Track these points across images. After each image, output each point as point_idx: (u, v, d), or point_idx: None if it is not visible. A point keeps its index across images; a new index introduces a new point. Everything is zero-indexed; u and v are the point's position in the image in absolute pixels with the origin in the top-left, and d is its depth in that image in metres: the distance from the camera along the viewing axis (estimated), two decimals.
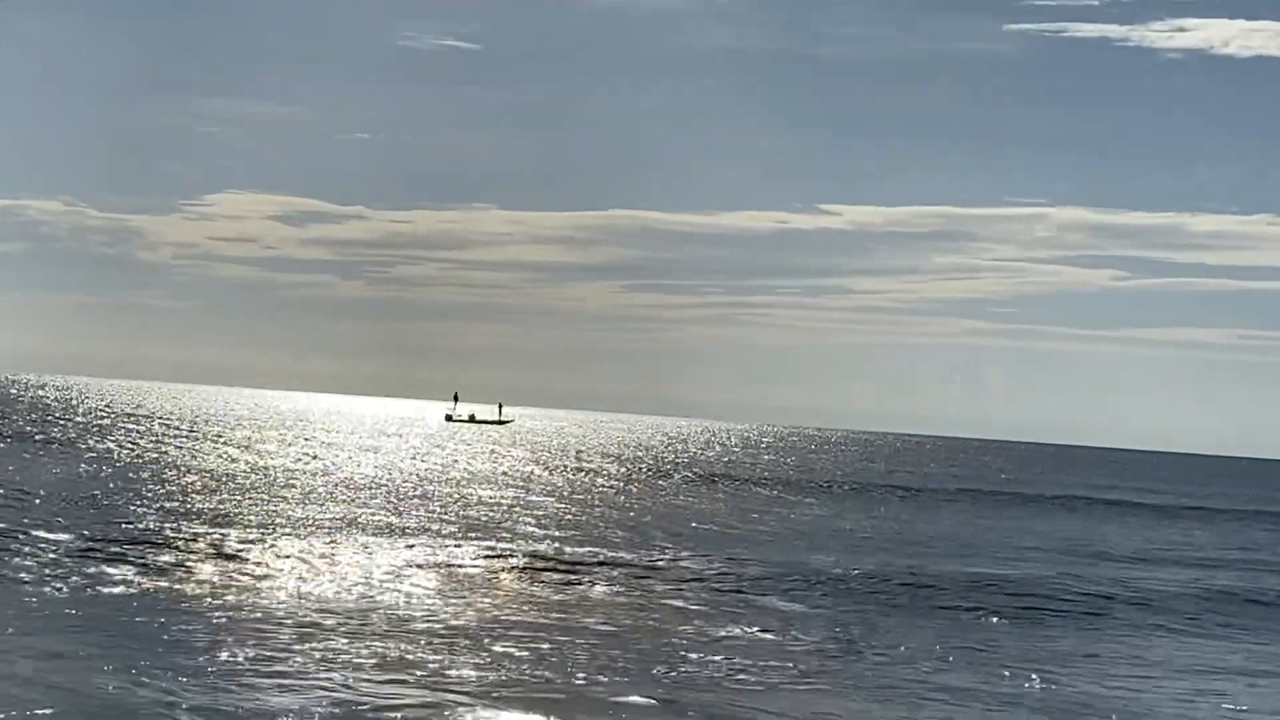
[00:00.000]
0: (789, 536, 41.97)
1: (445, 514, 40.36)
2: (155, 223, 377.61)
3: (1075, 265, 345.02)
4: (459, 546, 31.92)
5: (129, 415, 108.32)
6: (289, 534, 31.99)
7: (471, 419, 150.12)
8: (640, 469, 77.74)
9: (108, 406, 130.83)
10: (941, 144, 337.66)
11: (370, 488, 48.65)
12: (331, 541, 31.23)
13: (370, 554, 29.61)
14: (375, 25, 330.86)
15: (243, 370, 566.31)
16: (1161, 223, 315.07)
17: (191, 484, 44.61)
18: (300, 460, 62.50)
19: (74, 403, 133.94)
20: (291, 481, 48.86)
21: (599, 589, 27.36)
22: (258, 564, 27.22)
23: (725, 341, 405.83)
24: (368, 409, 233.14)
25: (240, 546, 29.09)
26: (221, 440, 76.63)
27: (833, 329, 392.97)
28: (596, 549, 33.36)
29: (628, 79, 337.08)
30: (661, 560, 32.20)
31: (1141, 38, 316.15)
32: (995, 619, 27.41)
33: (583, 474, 67.47)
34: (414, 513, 39.97)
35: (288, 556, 28.32)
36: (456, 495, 47.62)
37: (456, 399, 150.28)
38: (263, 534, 31.47)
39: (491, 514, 41.56)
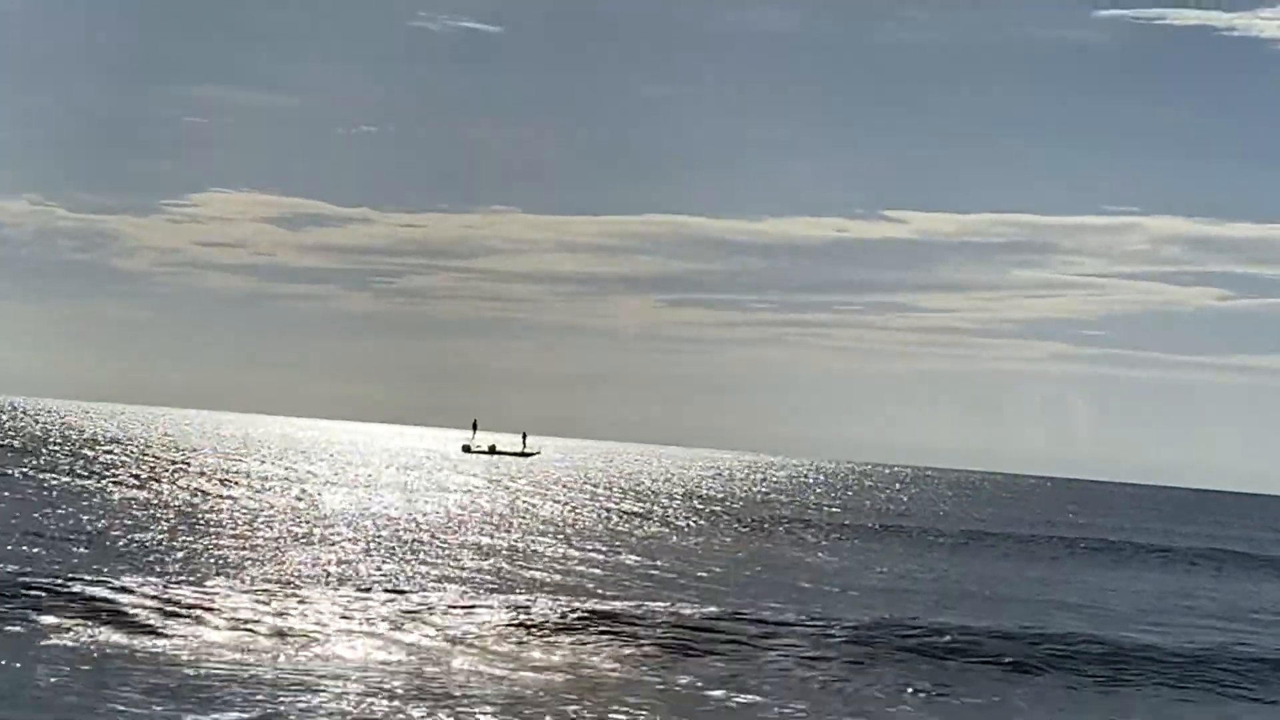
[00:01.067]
0: (911, 591, 41.06)
1: (476, 567, 38.11)
2: (134, 225, 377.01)
3: (1172, 282, 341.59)
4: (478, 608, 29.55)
5: (92, 442, 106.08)
6: (257, 591, 29.73)
7: (492, 450, 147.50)
8: (716, 513, 75.88)
9: (73, 431, 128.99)
10: (1021, 144, 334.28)
11: (377, 532, 46.78)
12: (317, 597, 29.30)
13: (374, 612, 27.94)
14: (384, 4, 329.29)
15: (231, 392, 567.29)
16: (1270, 235, 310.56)
17: (136, 521, 43.03)
18: (289, 498, 60.73)
19: (40, 428, 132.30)
20: (271, 523, 47.15)
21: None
22: (225, 624, 25.75)
23: (777, 365, 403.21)
24: (373, 438, 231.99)
25: (196, 603, 27.15)
26: (197, 472, 75.26)
27: (898, 352, 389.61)
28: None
29: (668, 66, 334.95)
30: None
31: (1248, 26, 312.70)
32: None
33: (649, 520, 65.31)
34: (433, 565, 37.74)
35: (250, 621, 26.32)
36: (486, 545, 45.63)
37: (475, 428, 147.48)
38: (227, 589, 29.28)
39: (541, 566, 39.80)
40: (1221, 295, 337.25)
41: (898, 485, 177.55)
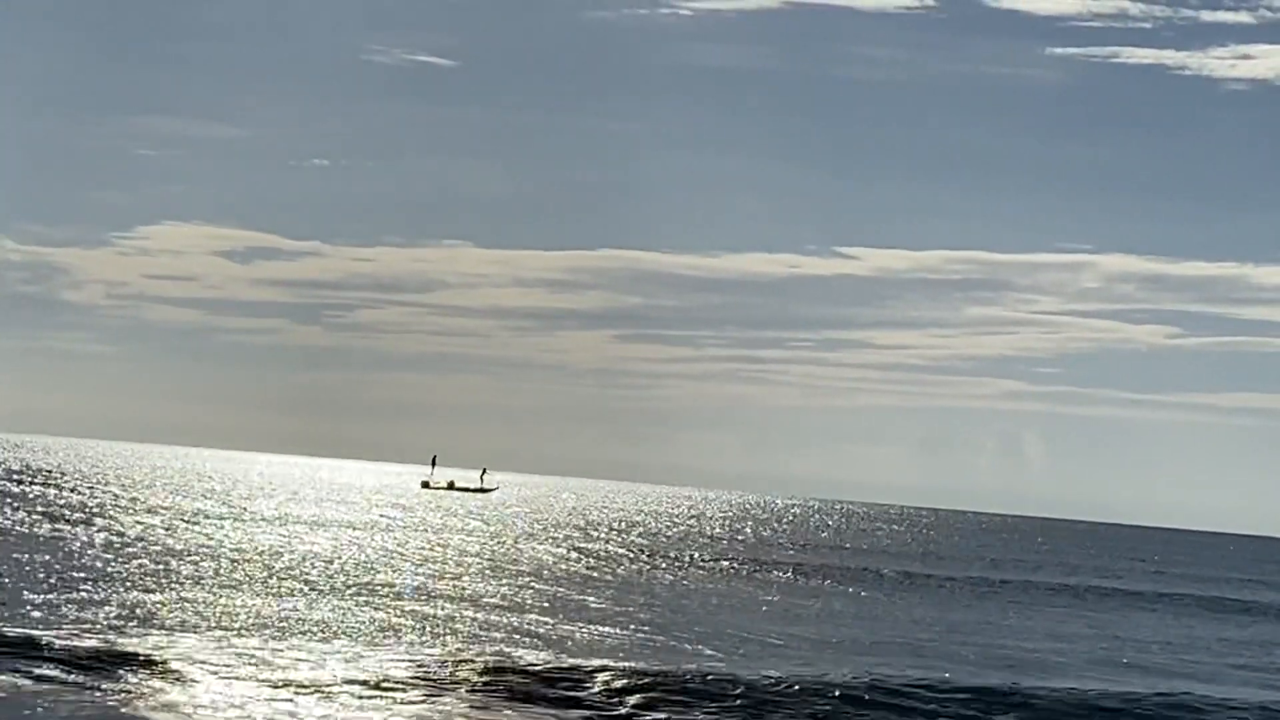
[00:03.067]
0: (886, 642, 40.34)
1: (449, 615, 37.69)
2: (83, 257, 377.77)
3: (1125, 320, 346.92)
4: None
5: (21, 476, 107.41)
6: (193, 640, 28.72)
7: (451, 486, 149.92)
8: (673, 550, 76.97)
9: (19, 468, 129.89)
10: (976, 181, 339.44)
11: (334, 574, 46.01)
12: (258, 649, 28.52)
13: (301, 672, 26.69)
14: (337, 37, 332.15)
15: (180, 427, 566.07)
16: (1223, 274, 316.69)
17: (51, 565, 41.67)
18: (233, 537, 59.30)
19: None
20: (211, 564, 45.66)
21: None
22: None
23: (730, 401, 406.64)
24: (326, 473, 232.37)
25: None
26: (133, 506, 74.52)
27: (851, 388, 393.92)
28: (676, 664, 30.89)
29: (622, 101, 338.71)
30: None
31: (1200, 65, 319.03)
32: None
33: (618, 559, 65.99)
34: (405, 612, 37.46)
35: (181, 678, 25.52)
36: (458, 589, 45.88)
37: (434, 463, 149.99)
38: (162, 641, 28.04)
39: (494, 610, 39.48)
40: (1173, 333, 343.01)
41: (858, 522, 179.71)
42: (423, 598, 40.93)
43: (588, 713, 25.90)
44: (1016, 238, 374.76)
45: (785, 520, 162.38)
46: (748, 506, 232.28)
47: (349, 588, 41.89)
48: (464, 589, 44.45)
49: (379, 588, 42.74)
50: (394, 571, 48.98)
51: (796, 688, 28.76)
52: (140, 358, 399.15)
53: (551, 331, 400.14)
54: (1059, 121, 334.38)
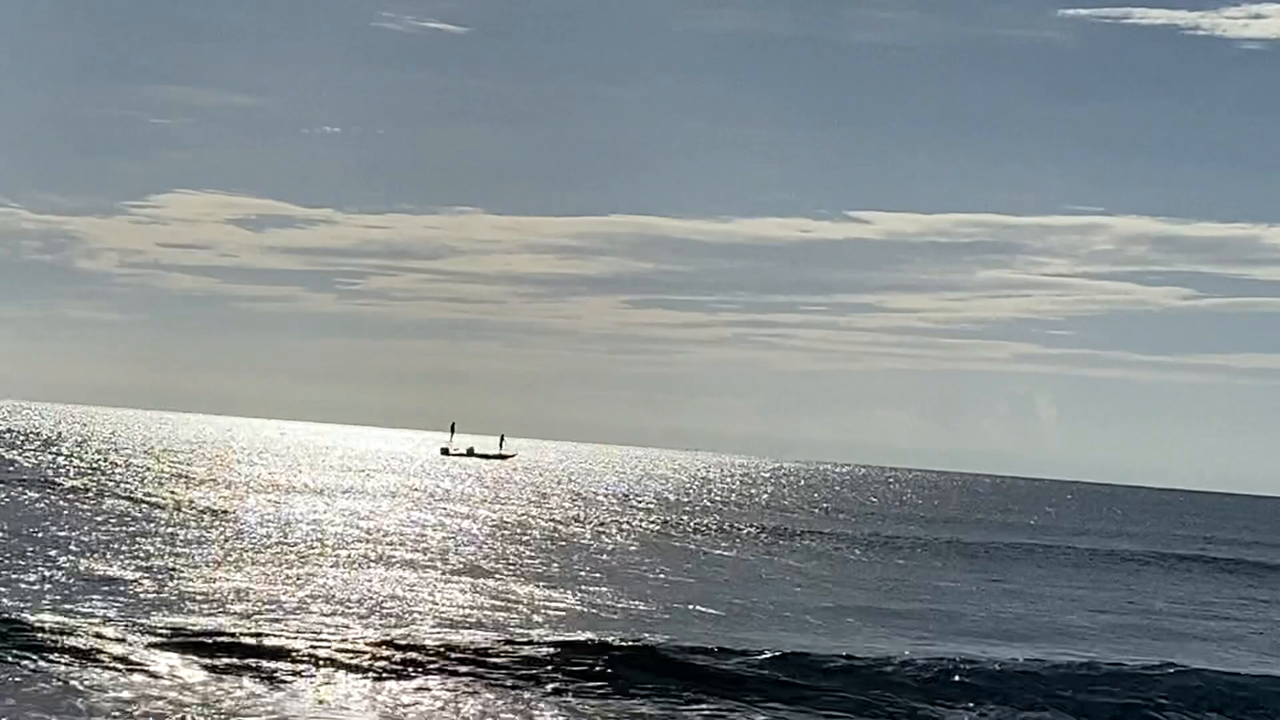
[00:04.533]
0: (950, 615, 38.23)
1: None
2: (97, 226, 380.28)
3: (1138, 282, 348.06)
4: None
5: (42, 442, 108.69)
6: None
7: (470, 452, 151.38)
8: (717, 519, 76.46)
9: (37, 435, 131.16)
10: (987, 144, 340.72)
11: (372, 544, 44.84)
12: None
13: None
14: (348, 4, 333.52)
15: (195, 394, 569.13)
16: (1236, 234, 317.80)
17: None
18: (252, 507, 57.21)
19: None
20: (230, 537, 44.02)
21: None
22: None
23: (741, 365, 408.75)
24: (341, 440, 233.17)
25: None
26: (140, 475, 73.25)
27: (862, 352, 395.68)
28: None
29: (633, 67, 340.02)
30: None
31: (1214, 25, 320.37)
32: None
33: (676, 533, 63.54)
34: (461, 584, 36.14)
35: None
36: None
37: (453, 430, 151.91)
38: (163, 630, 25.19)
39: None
40: (1186, 295, 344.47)
41: (878, 488, 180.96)
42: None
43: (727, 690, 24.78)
44: (1028, 200, 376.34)
45: (804, 485, 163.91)
46: (779, 472, 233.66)
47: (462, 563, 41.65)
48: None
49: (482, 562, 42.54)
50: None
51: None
52: (154, 326, 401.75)
53: (563, 297, 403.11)
54: (1071, 83, 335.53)
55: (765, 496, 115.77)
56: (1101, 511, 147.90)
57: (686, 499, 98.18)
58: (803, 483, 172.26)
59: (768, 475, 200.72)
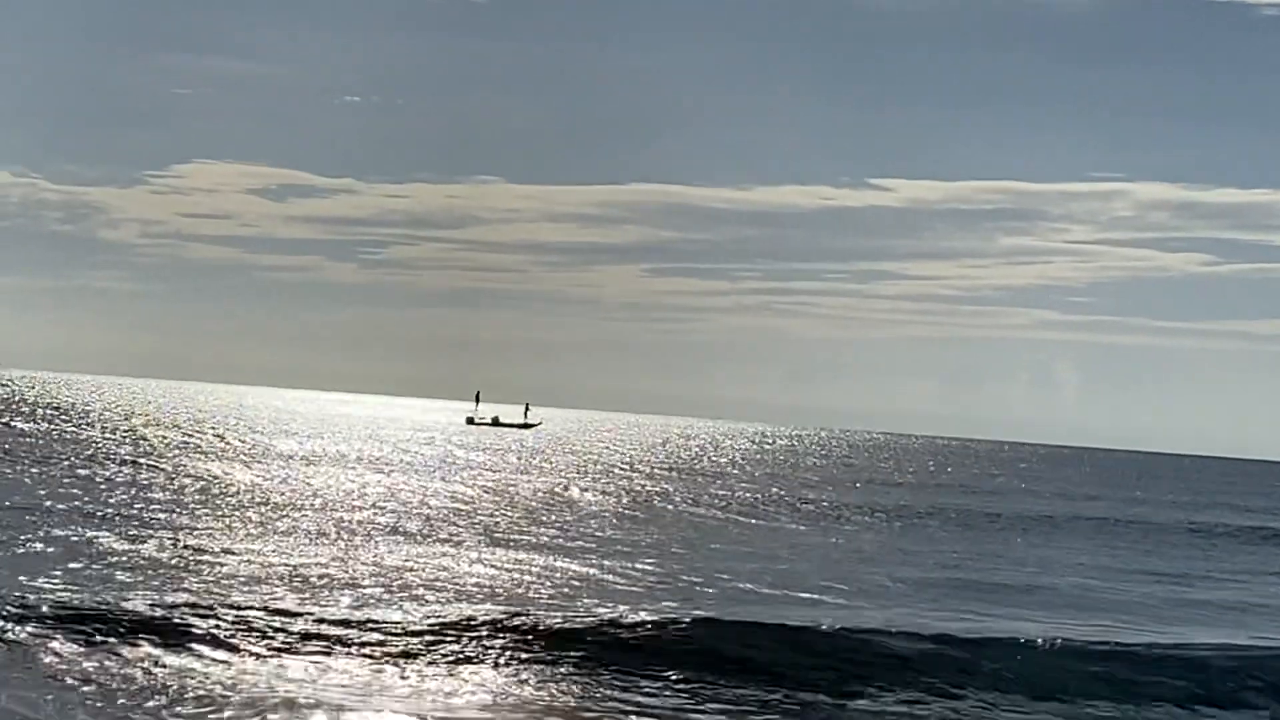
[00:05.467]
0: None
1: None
2: (118, 196, 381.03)
3: (1159, 248, 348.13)
4: None
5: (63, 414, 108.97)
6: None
7: (495, 421, 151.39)
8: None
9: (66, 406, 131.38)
10: (1008, 111, 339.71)
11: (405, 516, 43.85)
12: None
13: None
14: None
15: (216, 364, 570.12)
16: (1257, 200, 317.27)
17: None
18: (275, 478, 55.86)
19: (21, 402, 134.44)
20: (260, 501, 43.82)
21: None
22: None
23: (763, 334, 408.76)
24: (364, 410, 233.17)
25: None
26: (151, 447, 71.59)
27: (883, 320, 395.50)
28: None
29: (655, 34, 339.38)
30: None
31: None
32: None
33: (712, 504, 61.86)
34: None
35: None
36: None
37: (479, 399, 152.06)
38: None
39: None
40: (1207, 261, 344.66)
41: (905, 455, 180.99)
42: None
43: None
44: (1049, 167, 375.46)
45: (831, 454, 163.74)
46: (815, 440, 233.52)
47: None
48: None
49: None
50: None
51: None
52: (175, 296, 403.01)
53: (585, 266, 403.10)
54: (1092, 48, 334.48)
55: (812, 466, 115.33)
56: (1143, 481, 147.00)
57: (735, 470, 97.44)
58: (852, 453, 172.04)
59: (816, 444, 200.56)
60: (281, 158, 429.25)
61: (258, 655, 21.96)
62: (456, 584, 29.44)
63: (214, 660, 21.47)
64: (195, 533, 34.98)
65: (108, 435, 79.13)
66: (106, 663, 20.75)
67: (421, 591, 27.91)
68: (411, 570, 31.13)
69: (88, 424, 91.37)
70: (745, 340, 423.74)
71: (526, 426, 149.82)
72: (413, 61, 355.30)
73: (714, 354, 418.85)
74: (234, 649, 22.07)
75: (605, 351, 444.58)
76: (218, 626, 22.95)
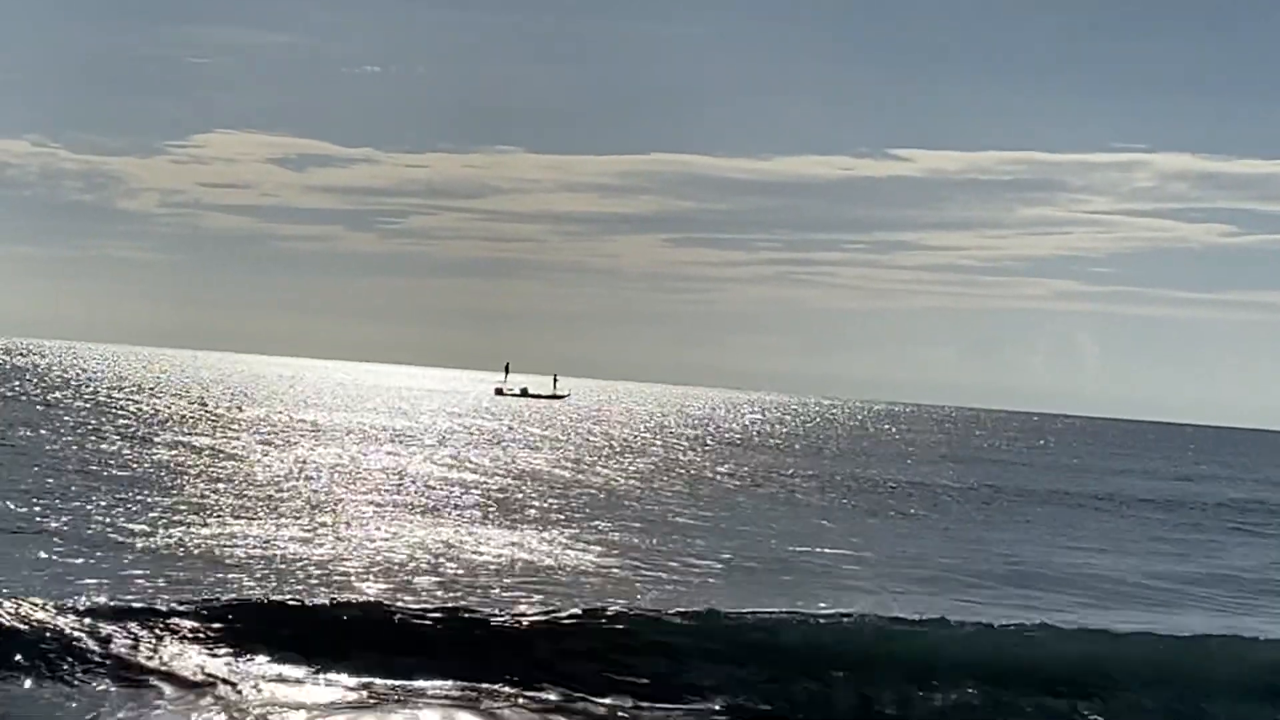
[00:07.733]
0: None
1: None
2: (138, 166, 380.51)
3: (1179, 219, 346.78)
4: None
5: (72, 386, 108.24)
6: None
7: (524, 393, 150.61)
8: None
9: (79, 376, 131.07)
10: (1028, 81, 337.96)
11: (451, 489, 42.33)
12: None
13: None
14: None
15: (236, 333, 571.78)
16: (1277, 171, 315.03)
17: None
18: (302, 455, 52.01)
19: (40, 372, 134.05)
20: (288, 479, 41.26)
21: None
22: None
23: (782, 304, 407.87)
24: (385, 379, 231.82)
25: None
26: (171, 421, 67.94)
27: (903, 290, 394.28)
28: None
29: (673, 6, 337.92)
30: None
31: None
32: None
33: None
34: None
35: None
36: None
37: (508, 370, 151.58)
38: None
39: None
40: (1228, 231, 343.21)
41: (936, 427, 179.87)
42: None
43: None
44: (1069, 137, 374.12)
45: (858, 426, 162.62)
46: (846, 411, 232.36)
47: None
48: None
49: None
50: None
51: None
52: (195, 265, 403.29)
53: (604, 236, 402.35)
54: (1112, 19, 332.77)
55: (843, 436, 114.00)
56: (1186, 455, 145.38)
57: (775, 442, 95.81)
58: (883, 423, 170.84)
59: (846, 416, 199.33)
60: (301, 128, 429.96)
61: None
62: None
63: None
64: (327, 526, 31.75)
65: (181, 411, 78.09)
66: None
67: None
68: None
69: (154, 396, 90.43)
70: (764, 310, 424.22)
71: (556, 397, 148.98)
72: (432, 32, 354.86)
73: (732, 324, 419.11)
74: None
75: (623, 321, 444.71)
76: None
